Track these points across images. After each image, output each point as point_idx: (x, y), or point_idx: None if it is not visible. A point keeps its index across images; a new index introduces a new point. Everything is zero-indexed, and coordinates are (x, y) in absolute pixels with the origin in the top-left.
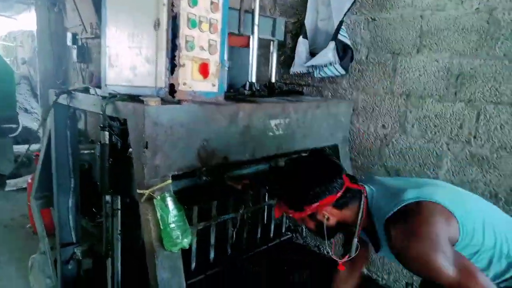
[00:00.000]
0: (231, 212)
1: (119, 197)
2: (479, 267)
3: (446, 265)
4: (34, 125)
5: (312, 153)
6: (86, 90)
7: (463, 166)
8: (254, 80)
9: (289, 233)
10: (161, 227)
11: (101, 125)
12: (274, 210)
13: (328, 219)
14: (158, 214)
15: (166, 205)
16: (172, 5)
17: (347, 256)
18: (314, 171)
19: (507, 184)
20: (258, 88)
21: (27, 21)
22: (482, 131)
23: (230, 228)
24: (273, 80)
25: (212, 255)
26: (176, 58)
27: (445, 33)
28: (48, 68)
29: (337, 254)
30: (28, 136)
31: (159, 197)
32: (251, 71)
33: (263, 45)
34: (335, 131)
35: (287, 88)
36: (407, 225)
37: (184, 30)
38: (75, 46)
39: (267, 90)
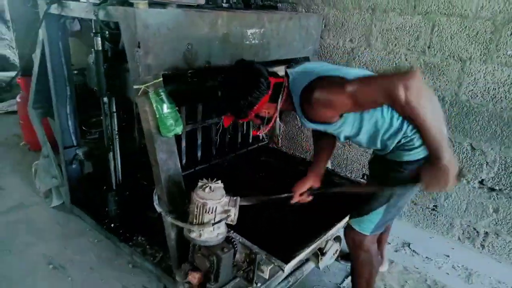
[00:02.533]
0: (214, 117)
1: (114, 100)
2: None
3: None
4: (7, 52)
5: (236, 65)
6: None
7: None
8: None
9: (265, 140)
10: (157, 116)
11: (94, 32)
12: (223, 121)
13: (269, 113)
14: (154, 106)
15: (160, 98)
16: None
17: (262, 130)
18: (244, 84)
19: (452, 89)
20: (235, 1)
21: None
22: (435, 41)
23: (214, 132)
24: None
25: (199, 154)
26: None
27: None
28: None
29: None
30: (3, 63)
31: (153, 91)
32: None
33: None
34: (307, 43)
35: (263, 3)
36: (312, 86)
37: None
38: None
39: (243, 4)
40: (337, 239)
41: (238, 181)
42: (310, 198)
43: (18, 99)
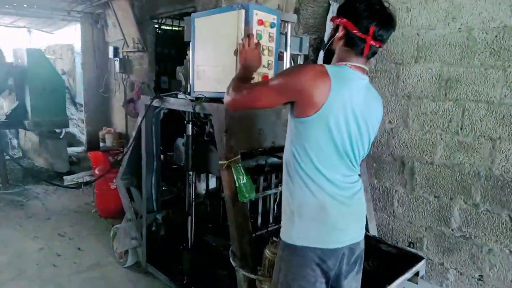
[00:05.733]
0: (273, 188)
1: (194, 174)
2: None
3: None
4: (75, 130)
5: None
6: (174, 95)
7: (453, 152)
8: None
9: None
10: (236, 185)
11: (186, 120)
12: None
13: (338, 37)
14: (235, 177)
15: (239, 171)
16: None
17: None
18: (367, 4)
19: (486, 164)
20: None
21: (65, 35)
22: (467, 123)
23: (272, 201)
24: None
25: (259, 220)
26: None
27: (436, 47)
28: (91, 78)
29: None
30: (70, 140)
31: (234, 166)
32: None
33: (292, 58)
34: None
35: None
36: None
37: None
38: (117, 59)
39: None
40: None
41: None
42: None
43: (96, 171)
